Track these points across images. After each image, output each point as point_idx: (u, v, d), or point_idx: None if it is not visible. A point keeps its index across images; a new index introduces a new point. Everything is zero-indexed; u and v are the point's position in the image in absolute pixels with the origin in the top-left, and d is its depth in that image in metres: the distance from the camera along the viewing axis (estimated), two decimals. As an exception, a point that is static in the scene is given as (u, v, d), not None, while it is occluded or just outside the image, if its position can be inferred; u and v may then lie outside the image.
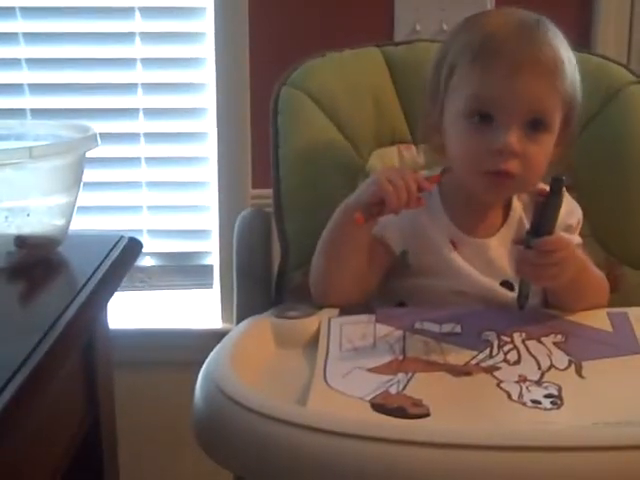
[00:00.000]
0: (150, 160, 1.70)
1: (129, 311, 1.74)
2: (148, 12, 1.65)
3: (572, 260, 1.01)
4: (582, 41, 1.60)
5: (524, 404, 0.87)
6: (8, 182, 1.09)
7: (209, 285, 1.78)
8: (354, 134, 1.24)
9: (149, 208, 1.73)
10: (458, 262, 1.09)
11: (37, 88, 1.66)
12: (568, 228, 1.12)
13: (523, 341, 0.98)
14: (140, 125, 1.69)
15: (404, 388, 0.90)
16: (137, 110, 1.68)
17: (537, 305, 1.10)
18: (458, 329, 1.01)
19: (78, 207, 1.19)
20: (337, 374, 0.92)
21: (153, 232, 1.73)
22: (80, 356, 1.09)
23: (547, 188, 0.98)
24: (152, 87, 1.67)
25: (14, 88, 1.65)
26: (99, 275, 1.08)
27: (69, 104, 1.66)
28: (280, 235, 1.24)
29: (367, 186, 1.04)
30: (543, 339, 0.99)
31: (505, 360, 0.95)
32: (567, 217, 1.11)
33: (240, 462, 0.83)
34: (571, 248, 1.01)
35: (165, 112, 1.68)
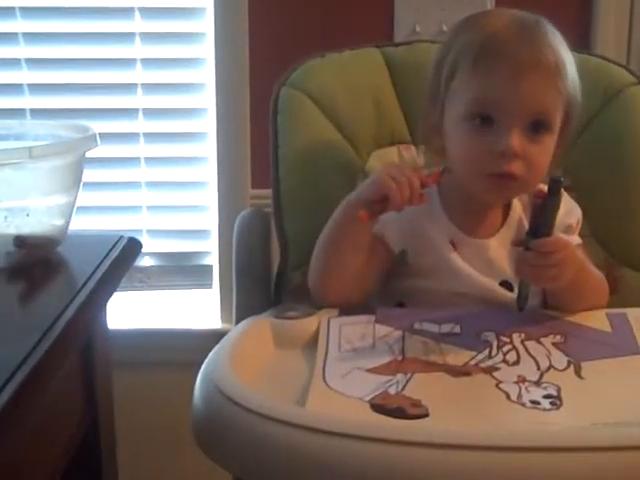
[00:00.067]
0: (150, 160, 1.70)
1: (128, 311, 1.74)
2: (148, 12, 1.64)
3: (571, 261, 1.01)
4: (582, 42, 1.60)
5: (523, 405, 0.87)
6: (7, 182, 1.09)
7: (208, 285, 1.78)
8: (354, 134, 1.24)
9: (148, 208, 1.73)
10: (458, 262, 1.09)
11: (37, 88, 1.66)
12: (567, 228, 1.12)
13: (522, 342, 0.98)
14: (140, 125, 1.68)
15: (403, 388, 0.90)
16: (137, 110, 1.68)
17: (536, 306, 1.10)
18: (457, 329, 1.01)
19: (78, 207, 1.19)
20: (336, 374, 0.92)
21: (152, 232, 1.73)
22: (79, 356, 1.09)
23: (545, 189, 0.98)
24: (152, 87, 1.67)
25: (14, 88, 1.65)
26: (98, 275, 1.08)
27: (69, 104, 1.66)
28: (279, 235, 1.24)
29: (369, 183, 1.04)
30: (542, 340, 0.99)
31: (504, 360, 0.95)
32: (566, 217, 1.11)
33: (239, 462, 0.83)
34: (570, 249, 1.01)
35: (165, 112, 1.68)
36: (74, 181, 1.17)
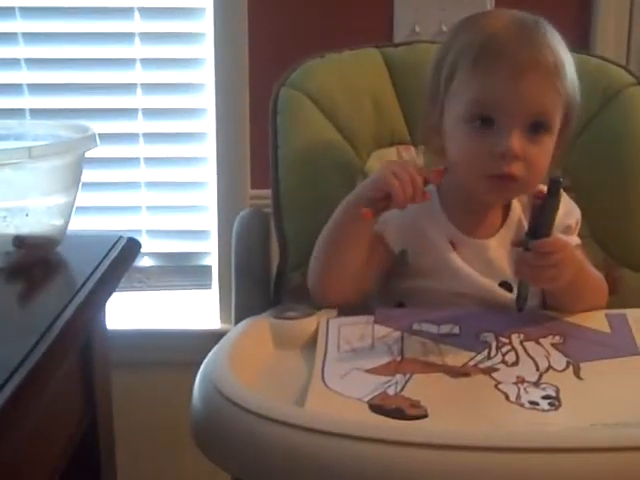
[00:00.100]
0: (149, 160, 1.70)
1: (128, 311, 1.74)
2: (147, 12, 1.64)
3: (570, 262, 1.01)
4: (581, 42, 1.60)
5: (522, 405, 0.87)
6: (7, 182, 1.09)
7: (208, 285, 1.78)
8: (353, 135, 1.24)
9: (148, 208, 1.73)
10: (457, 262, 1.09)
11: (36, 88, 1.66)
12: (567, 229, 1.12)
13: (521, 342, 0.98)
14: (139, 125, 1.68)
15: (402, 389, 0.90)
16: (136, 110, 1.68)
17: (535, 306, 1.10)
18: (456, 330, 1.01)
19: (77, 207, 1.19)
20: (335, 375, 0.92)
21: (152, 232, 1.73)
22: (78, 356, 1.09)
23: (545, 190, 0.98)
24: (151, 87, 1.67)
25: (13, 88, 1.65)
26: (97, 275, 1.08)
27: (68, 104, 1.66)
28: (279, 235, 1.24)
29: (372, 181, 1.04)
30: (541, 340, 0.99)
31: (503, 361, 0.95)
32: (565, 217, 1.11)
33: (238, 463, 0.83)
34: (569, 250, 1.01)
35: (164, 112, 1.68)
36: (73, 181, 1.17)
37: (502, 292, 1.09)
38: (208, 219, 1.73)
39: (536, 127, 1.03)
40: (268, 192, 1.25)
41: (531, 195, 1.05)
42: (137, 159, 1.70)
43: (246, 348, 0.98)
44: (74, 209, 1.19)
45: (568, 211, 1.12)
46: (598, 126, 1.23)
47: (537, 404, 0.87)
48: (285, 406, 0.85)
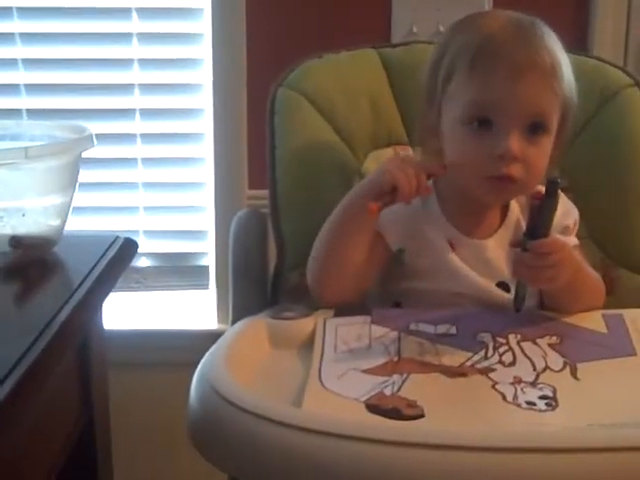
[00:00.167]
0: (146, 161, 1.70)
1: (125, 312, 1.74)
2: (145, 13, 1.64)
3: (568, 262, 1.01)
4: (579, 43, 1.60)
5: (519, 405, 0.87)
6: (3, 182, 1.09)
7: (205, 286, 1.78)
8: (350, 135, 1.24)
9: (145, 209, 1.73)
10: (455, 263, 1.09)
11: (33, 88, 1.66)
12: (565, 229, 1.12)
13: (518, 342, 0.98)
14: (137, 126, 1.68)
15: (399, 389, 0.90)
16: (134, 111, 1.68)
17: (533, 307, 1.10)
18: (453, 330, 1.01)
19: (74, 207, 1.19)
20: (332, 375, 0.92)
21: (149, 233, 1.73)
22: (75, 356, 1.09)
23: (543, 190, 0.98)
24: (149, 88, 1.67)
25: (10, 88, 1.65)
26: (94, 275, 1.08)
27: (65, 104, 1.66)
28: (276, 236, 1.24)
29: (377, 174, 1.04)
30: (538, 340, 0.99)
31: (500, 361, 0.95)
32: (563, 218, 1.11)
33: (235, 463, 0.83)
34: (567, 250, 1.01)
35: (162, 113, 1.68)
36: (70, 181, 1.17)
37: (500, 292, 1.09)
38: (205, 219, 1.73)
39: (534, 128, 1.03)
40: (265, 192, 1.25)
41: (529, 196, 1.05)
42: (134, 159, 1.70)
43: (243, 348, 0.98)
44: (71, 209, 1.19)
45: (566, 212, 1.12)
46: (596, 127, 1.24)
47: (534, 404, 0.87)
48: (282, 406, 0.85)
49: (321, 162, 1.22)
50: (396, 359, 0.96)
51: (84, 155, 1.18)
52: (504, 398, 0.88)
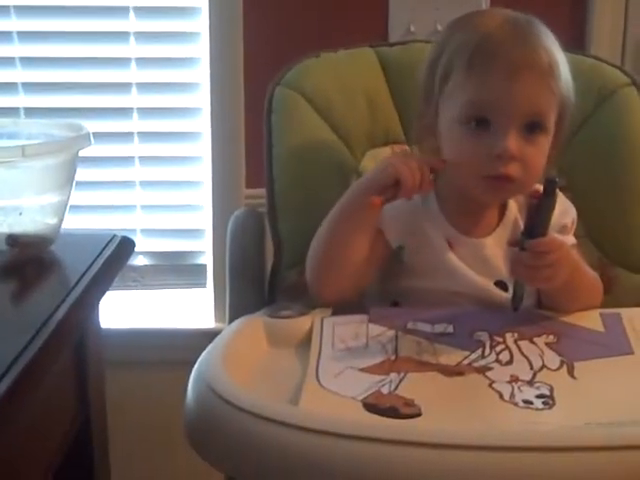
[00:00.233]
0: (144, 159, 1.70)
1: (122, 310, 1.74)
2: (142, 11, 1.64)
3: (566, 261, 1.01)
4: (576, 42, 1.60)
5: (516, 404, 0.87)
6: (0, 181, 1.09)
7: (202, 284, 1.77)
8: (348, 134, 1.24)
9: (143, 207, 1.72)
10: (454, 262, 1.09)
11: (31, 87, 1.66)
12: (563, 228, 1.12)
13: (515, 341, 0.98)
14: (134, 124, 1.68)
15: (396, 388, 0.90)
16: (131, 109, 1.67)
17: (531, 306, 1.10)
18: (450, 329, 1.01)
19: (71, 206, 1.19)
20: (329, 374, 0.92)
21: (146, 231, 1.73)
22: (72, 354, 1.09)
23: (541, 189, 0.98)
24: (146, 86, 1.67)
25: (8, 87, 1.65)
26: (91, 274, 1.08)
27: (63, 103, 1.66)
28: (274, 234, 1.24)
29: (380, 169, 1.04)
30: (535, 339, 0.99)
31: (497, 360, 0.95)
32: (561, 217, 1.11)
33: (231, 462, 0.83)
34: (565, 249, 1.01)
35: (159, 111, 1.68)
36: (67, 180, 1.17)
37: (497, 291, 1.09)
38: (203, 218, 1.73)
39: (532, 127, 1.03)
40: (263, 191, 1.24)
41: (527, 195, 1.06)
42: (132, 158, 1.70)
43: (240, 347, 0.98)
44: (68, 208, 1.18)
45: (564, 211, 1.12)
46: (593, 126, 1.24)
47: (531, 403, 0.87)
48: (279, 405, 0.85)
49: (318, 161, 1.22)
50: (393, 358, 0.96)
51: (81, 153, 1.17)
52: (501, 397, 0.88)
